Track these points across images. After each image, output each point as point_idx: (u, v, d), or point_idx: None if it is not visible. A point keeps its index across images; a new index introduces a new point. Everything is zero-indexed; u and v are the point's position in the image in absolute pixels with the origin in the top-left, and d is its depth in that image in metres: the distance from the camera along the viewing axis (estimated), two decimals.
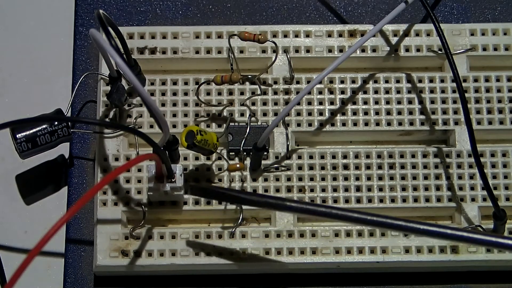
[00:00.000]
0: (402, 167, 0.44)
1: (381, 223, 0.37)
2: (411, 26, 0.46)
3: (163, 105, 0.44)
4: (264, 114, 0.44)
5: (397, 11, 0.43)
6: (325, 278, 0.43)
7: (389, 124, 0.44)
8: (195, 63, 0.45)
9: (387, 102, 0.45)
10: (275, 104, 0.45)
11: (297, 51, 0.45)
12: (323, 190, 0.43)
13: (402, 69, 0.46)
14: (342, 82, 0.45)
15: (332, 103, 0.45)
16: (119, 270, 0.42)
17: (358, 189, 0.44)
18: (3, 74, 0.48)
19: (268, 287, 0.43)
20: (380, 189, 0.44)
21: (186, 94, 0.45)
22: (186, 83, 0.45)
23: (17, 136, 0.42)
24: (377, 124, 0.44)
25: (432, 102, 0.45)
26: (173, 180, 0.41)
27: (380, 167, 0.44)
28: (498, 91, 0.45)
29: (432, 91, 0.45)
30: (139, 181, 0.43)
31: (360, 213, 0.37)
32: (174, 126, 0.44)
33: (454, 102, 0.45)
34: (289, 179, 0.43)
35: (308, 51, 0.45)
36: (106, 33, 0.39)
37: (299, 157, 0.44)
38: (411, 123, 0.44)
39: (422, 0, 0.44)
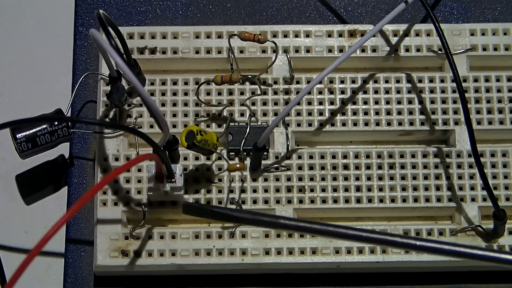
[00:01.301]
0: (402, 167, 0.44)
1: (376, 239, 0.36)
2: (411, 26, 0.46)
3: (163, 105, 0.44)
4: (264, 114, 0.44)
5: (397, 11, 0.43)
6: (325, 278, 0.43)
7: (389, 124, 0.44)
8: (195, 63, 0.45)
9: (387, 102, 0.45)
10: (275, 104, 0.45)
11: (297, 51, 0.45)
12: (323, 190, 0.43)
13: (402, 69, 0.46)
14: (342, 82, 0.45)
15: (332, 103, 0.45)
16: (119, 270, 0.42)
17: (358, 189, 0.44)
18: (3, 74, 0.48)
19: (268, 287, 0.43)
20: (380, 189, 0.44)
21: (186, 94, 0.45)
22: (186, 83, 0.45)
23: (17, 136, 0.42)
24: (377, 124, 0.44)
25: (432, 102, 0.45)
26: (173, 180, 0.41)
27: (380, 167, 0.44)
28: (498, 91, 0.45)
29: (432, 91, 0.45)
30: (139, 181, 0.43)
31: (355, 230, 0.36)
32: (174, 126, 0.44)
33: (454, 102, 0.45)
34: (289, 179, 0.43)
35: (308, 51, 0.45)
36: (106, 33, 0.39)
37: (299, 157, 0.44)
38: (411, 123, 0.44)
39: (422, 0, 0.44)
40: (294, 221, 0.37)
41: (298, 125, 0.44)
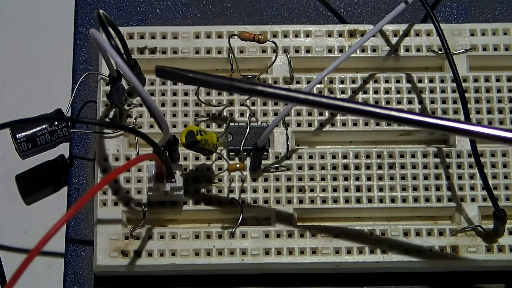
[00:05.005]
0: (402, 167, 0.44)
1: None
2: (411, 26, 0.46)
3: (163, 105, 0.44)
4: (264, 114, 0.44)
5: (397, 11, 0.43)
6: (325, 278, 0.43)
7: (389, 124, 0.44)
8: (195, 63, 0.45)
9: (387, 102, 0.45)
10: (275, 104, 0.44)
11: (297, 51, 0.45)
12: (323, 190, 0.43)
13: (402, 69, 0.46)
14: (342, 82, 0.45)
15: None
16: (119, 270, 0.42)
17: (358, 189, 0.44)
18: (3, 74, 0.48)
19: (268, 287, 0.43)
20: (380, 189, 0.44)
21: (186, 94, 0.45)
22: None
23: (17, 136, 0.42)
24: (377, 124, 0.44)
25: (432, 102, 0.45)
26: (173, 180, 0.41)
27: (380, 167, 0.44)
28: (498, 91, 0.45)
29: (432, 91, 0.45)
30: (139, 181, 0.43)
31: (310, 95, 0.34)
32: (174, 126, 0.44)
33: (454, 102, 0.45)
34: (289, 179, 0.43)
35: (308, 51, 0.45)
36: (106, 33, 0.39)
37: (299, 157, 0.44)
38: None
39: (422, 0, 0.44)
40: (272, 88, 0.35)
41: (298, 125, 0.44)
